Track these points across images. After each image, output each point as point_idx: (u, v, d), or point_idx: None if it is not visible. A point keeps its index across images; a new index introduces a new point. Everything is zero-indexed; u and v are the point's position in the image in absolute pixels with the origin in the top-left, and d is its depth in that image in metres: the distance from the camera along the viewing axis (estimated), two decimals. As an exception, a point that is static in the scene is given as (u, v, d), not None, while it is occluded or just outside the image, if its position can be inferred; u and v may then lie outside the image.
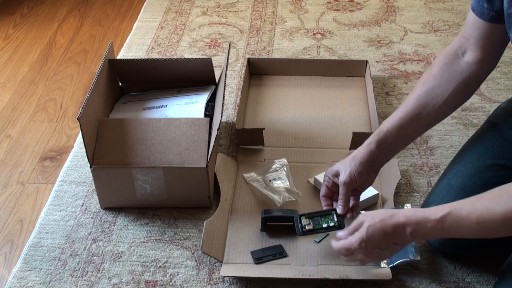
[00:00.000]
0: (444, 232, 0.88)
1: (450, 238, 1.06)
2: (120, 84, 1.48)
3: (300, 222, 1.09)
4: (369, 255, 0.97)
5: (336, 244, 1.00)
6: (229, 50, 1.40)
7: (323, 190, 1.12)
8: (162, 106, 1.38)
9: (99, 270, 1.13)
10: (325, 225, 1.10)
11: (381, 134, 1.06)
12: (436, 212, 0.88)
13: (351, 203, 1.10)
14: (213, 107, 1.36)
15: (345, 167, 1.07)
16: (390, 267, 1.07)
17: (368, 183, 1.09)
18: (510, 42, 0.94)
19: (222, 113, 1.25)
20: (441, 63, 1.05)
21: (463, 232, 0.87)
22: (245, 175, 1.30)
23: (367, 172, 1.07)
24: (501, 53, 1.04)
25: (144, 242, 1.19)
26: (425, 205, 1.12)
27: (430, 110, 1.04)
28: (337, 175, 1.08)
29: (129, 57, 1.80)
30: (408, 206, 1.16)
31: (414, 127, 1.06)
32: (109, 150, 1.21)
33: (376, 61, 1.74)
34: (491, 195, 0.85)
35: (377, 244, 0.94)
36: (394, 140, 1.06)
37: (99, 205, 1.27)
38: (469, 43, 1.03)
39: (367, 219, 0.94)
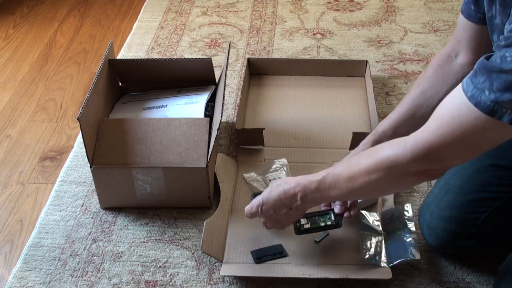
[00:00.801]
0: (327, 192, 0.93)
1: (450, 238, 1.07)
2: (120, 84, 1.48)
3: (298, 221, 1.09)
4: (268, 218, 1.05)
5: (245, 208, 1.07)
6: (229, 50, 1.40)
7: None
8: (162, 106, 1.38)
9: (99, 270, 1.13)
10: (322, 224, 1.10)
11: (377, 135, 1.09)
12: (319, 174, 0.94)
13: (349, 202, 1.10)
14: (213, 107, 1.36)
15: None
16: (390, 267, 1.07)
17: None
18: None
19: (222, 113, 1.25)
20: (435, 65, 1.08)
21: (340, 191, 0.92)
22: (245, 175, 1.30)
23: None
24: None
25: (144, 242, 1.19)
26: (424, 205, 1.12)
27: (424, 111, 1.06)
28: None
29: (129, 57, 1.80)
30: (408, 206, 1.16)
31: (409, 128, 1.06)
32: (109, 150, 1.21)
33: (376, 61, 1.74)
34: (367, 151, 0.89)
35: (273, 208, 1.01)
36: None
37: (99, 205, 1.27)
38: (461, 46, 1.04)
39: (270, 184, 1.03)
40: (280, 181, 1.01)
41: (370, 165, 0.86)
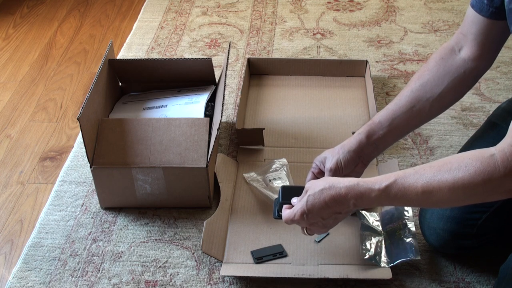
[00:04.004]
0: (389, 200, 0.87)
1: (450, 238, 1.07)
2: (120, 84, 1.48)
3: (279, 205, 1.05)
4: (313, 224, 0.97)
5: (283, 214, 1.00)
6: (229, 50, 1.40)
7: (309, 177, 1.12)
8: (162, 106, 1.38)
9: (99, 270, 1.13)
10: None
11: (373, 125, 1.07)
12: (380, 181, 0.87)
13: None
14: (213, 107, 1.36)
15: (333, 154, 1.08)
16: (390, 267, 1.07)
17: (356, 175, 1.09)
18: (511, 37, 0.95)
19: (222, 113, 1.25)
20: (437, 58, 1.06)
21: (408, 201, 0.86)
22: (245, 175, 1.30)
23: (355, 162, 1.07)
24: (497, 52, 1.04)
25: (144, 242, 1.19)
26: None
27: (423, 104, 1.05)
28: (324, 162, 1.09)
29: (129, 57, 1.80)
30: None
31: (406, 121, 1.06)
32: (109, 150, 1.21)
33: (376, 61, 1.74)
34: (439, 164, 0.83)
35: (319, 215, 0.94)
36: (385, 132, 1.06)
37: (99, 205, 1.27)
38: (466, 40, 1.03)
39: (310, 188, 0.94)
40: (322, 184, 0.92)
41: (456, 182, 0.80)
